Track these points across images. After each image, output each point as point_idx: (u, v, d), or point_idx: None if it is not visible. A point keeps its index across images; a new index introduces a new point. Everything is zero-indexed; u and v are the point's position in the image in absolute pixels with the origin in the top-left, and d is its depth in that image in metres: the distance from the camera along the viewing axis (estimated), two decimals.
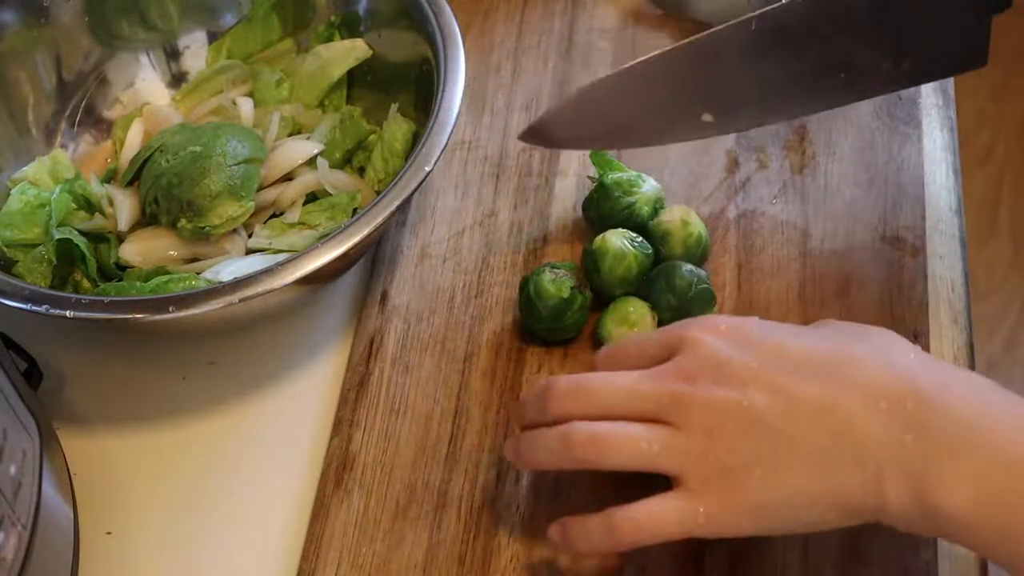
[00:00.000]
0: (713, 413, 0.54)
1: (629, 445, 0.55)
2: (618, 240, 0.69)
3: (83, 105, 0.80)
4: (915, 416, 0.52)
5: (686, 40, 0.67)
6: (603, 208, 0.72)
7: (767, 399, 0.54)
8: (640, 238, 0.70)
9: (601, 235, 0.70)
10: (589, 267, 0.70)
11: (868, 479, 0.52)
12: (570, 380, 0.58)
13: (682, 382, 0.55)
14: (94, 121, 0.80)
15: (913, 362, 0.55)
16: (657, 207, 0.72)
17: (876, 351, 0.55)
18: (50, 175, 0.76)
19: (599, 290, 0.70)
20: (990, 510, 0.50)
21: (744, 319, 0.58)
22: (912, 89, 0.80)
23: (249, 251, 0.73)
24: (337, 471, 0.67)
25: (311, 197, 0.75)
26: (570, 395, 0.57)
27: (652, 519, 0.55)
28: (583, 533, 0.57)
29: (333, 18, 0.80)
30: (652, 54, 0.67)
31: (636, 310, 0.68)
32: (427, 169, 0.67)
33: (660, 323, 0.69)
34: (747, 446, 0.54)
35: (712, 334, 0.56)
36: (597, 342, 0.69)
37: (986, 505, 0.50)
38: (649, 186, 0.72)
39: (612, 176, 0.72)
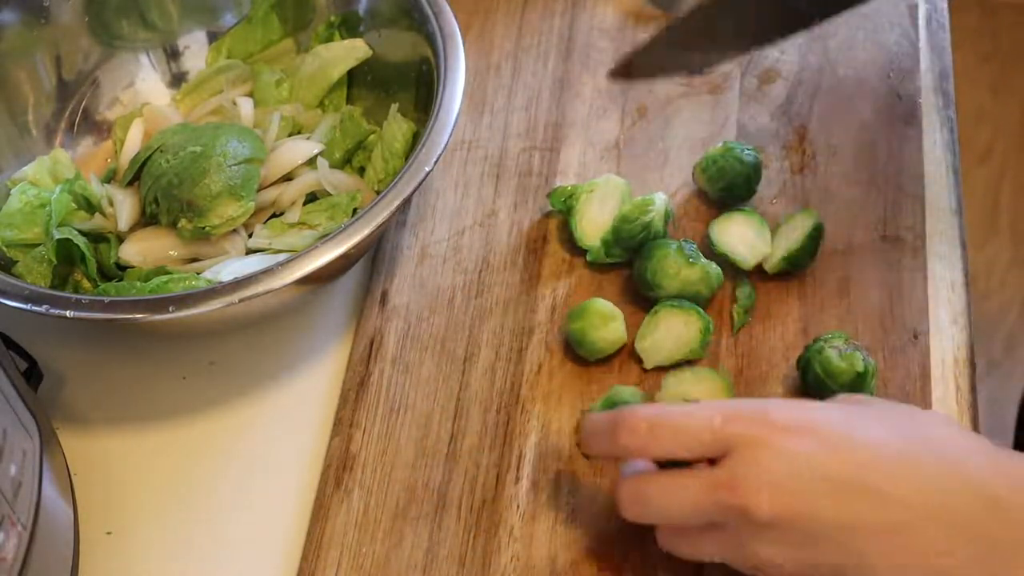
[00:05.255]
0: (776, 527, 0.52)
1: (692, 550, 0.57)
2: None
3: (83, 105, 0.80)
4: (989, 531, 0.51)
5: None
6: (623, 233, 0.72)
7: (835, 512, 0.52)
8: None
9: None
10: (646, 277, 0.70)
11: None
12: (632, 486, 0.57)
13: (742, 497, 0.53)
14: (94, 121, 0.80)
15: (981, 464, 0.53)
16: (668, 218, 0.72)
17: (941, 452, 0.53)
18: (50, 175, 0.76)
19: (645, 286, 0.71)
20: None
21: (794, 406, 0.56)
22: (912, 89, 0.80)
23: (249, 251, 0.73)
24: (337, 471, 0.67)
25: (311, 197, 0.75)
26: (633, 503, 0.57)
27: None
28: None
29: (333, 18, 0.80)
30: None
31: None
32: (427, 169, 0.67)
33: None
34: (812, 551, 0.53)
35: (772, 436, 0.53)
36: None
37: None
38: (659, 201, 0.72)
39: (624, 209, 0.72)
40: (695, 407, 0.56)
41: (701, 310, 0.69)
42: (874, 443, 0.53)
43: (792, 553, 0.53)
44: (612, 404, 0.66)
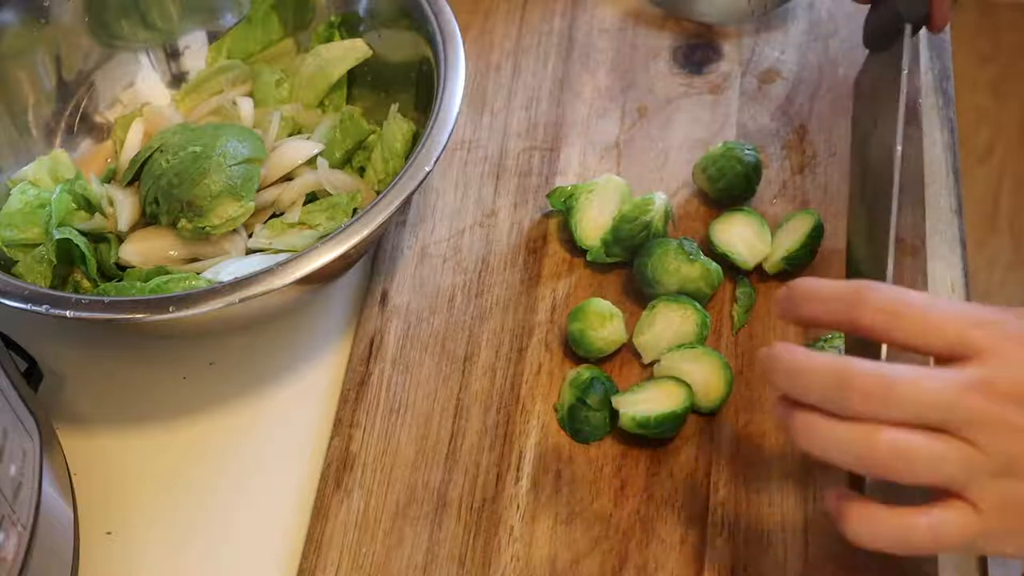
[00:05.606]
0: (1020, 440, 0.50)
1: (933, 466, 0.51)
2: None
3: (83, 105, 0.80)
4: None
5: None
6: (623, 233, 0.72)
7: None
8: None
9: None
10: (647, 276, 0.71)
11: None
12: (876, 379, 0.51)
13: (990, 401, 0.50)
14: (94, 121, 0.80)
15: None
16: (668, 217, 0.72)
17: None
18: (50, 175, 0.76)
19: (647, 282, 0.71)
20: None
21: None
22: (912, 89, 0.80)
23: (249, 251, 0.73)
24: (337, 471, 0.67)
25: (311, 197, 0.75)
26: (876, 397, 0.51)
27: (941, 532, 0.52)
28: (872, 527, 0.53)
29: (333, 18, 0.80)
30: None
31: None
32: (427, 169, 0.67)
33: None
34: None
35: (1019, 344, 0.51)
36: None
37: None
38: (659, 201, 0.72)
39: (624, 209, 0.72)
40: (937, 300, 0.53)
41: (698, 304, 0.69)
42: None
43: (1014, 475, 0.50)
44: (581, 387, 0.67)
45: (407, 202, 0.67)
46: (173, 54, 0.82)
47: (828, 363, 0.52)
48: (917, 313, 0.52)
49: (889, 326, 0.52)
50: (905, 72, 0.68)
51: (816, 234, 0.71)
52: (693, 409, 0.67)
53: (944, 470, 0.51)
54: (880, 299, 0.52)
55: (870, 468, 0.52)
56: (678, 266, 0.69)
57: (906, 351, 0.53)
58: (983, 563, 0.62)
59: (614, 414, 0.66)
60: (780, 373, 0.53)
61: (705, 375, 0.67)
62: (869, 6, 0.75)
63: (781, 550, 0.62)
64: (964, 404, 0.51)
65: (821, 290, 0.54)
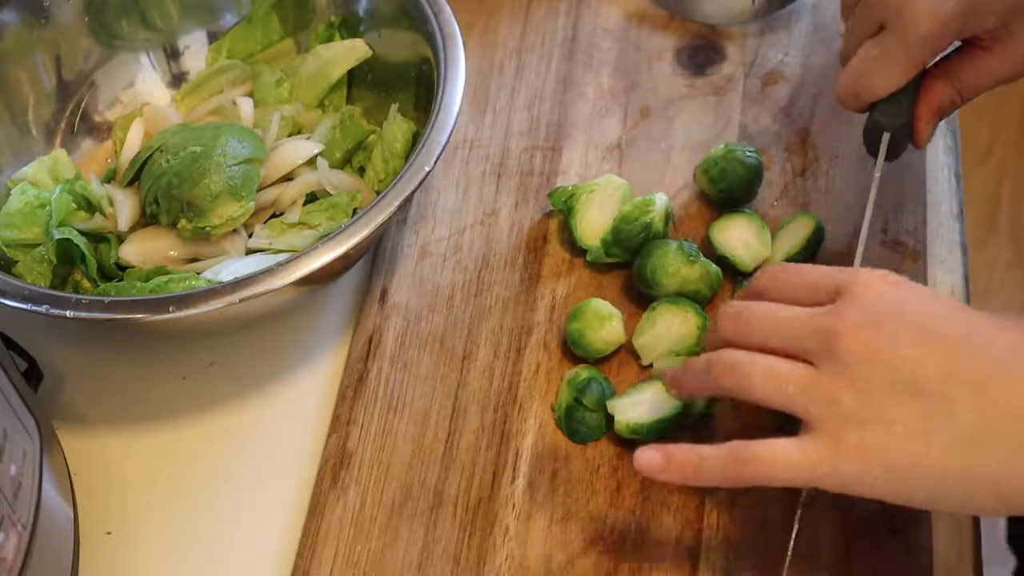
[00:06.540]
0: (862, 362, 0.52)
1: (766, 381, 0.54)
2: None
3: (83, 105, 0.80)
4: None
5: None
6: (623, 234, 0.72)
7: (924, 357, 0.51)
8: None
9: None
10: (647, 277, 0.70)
11: None
12: (735, 305, 0.58)
13: (836, 322, 0.53)
14: (94, 121, 0.80)
15: None
16: (668, 219, 0.72)
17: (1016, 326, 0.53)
18: (50, 175, 0.76)
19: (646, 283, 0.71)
20: None
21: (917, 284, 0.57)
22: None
23: (249, 251, 0.73)
24: (334, 468, 0.67)
25: (311, 197, 0.76)
26: (732, 319, 0.58)
27: (775, 461, 0.54)
28: (705, 465, 0.56)
29: (333, 18, 0.80)
30: None
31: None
32: (427, 169, 0.67)
33: None
34: (892, 401, 0.51)
35: (882, 283, 0.55)
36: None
37: None
38: (660, 202, 0.72)
39: (624, 209, 0.72)
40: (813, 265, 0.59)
41: (698, 307, 0.69)
42: (966, 310, 0.55)
43: (871, 398, 0.51)
44: (578, 387, 0.67)
45: (407, 202, 0.67)
46: (173, 54, 0.82)
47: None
48: (794, 270, 0.59)
49: (772, 285, 0.59)
50: (878, 175, 0.68)
51: (816, 237, 0.71)
52: (690, 411, 0.67)
53: (777, 387, 0.54)
54: (762, 275, 0.60)
55: (714, 385, 0.57)
56: (678, 267, 0.69)
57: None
58: (978, 561, 0.62)
59: (611, 414, 0.66)
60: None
61: None
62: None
63: (777, 553, 0.62)
64: (810, 328, 0.54)
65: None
